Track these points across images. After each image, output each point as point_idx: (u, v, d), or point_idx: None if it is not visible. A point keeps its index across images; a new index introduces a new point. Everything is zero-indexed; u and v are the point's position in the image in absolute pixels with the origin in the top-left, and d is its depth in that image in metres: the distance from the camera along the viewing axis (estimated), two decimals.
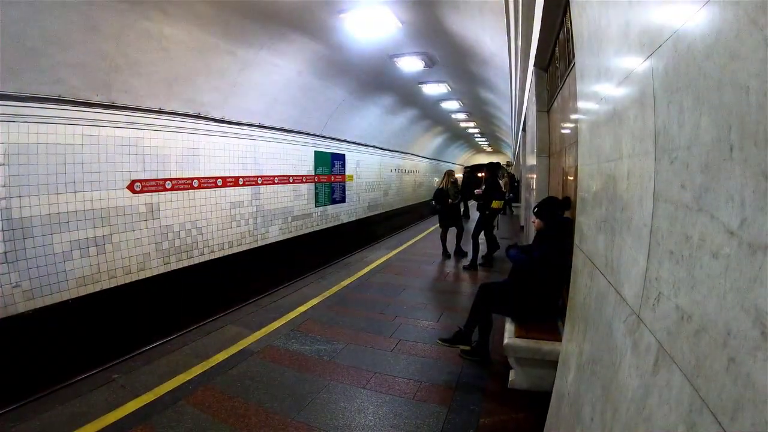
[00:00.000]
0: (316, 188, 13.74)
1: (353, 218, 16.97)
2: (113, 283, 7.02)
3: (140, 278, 7.53)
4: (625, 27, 1.42)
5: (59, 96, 6.04)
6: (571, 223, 3.70)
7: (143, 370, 4.32)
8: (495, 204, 8.82)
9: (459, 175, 10.71)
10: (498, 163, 9.62)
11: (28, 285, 5.83)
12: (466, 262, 9.15)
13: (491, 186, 8.99)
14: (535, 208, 4.25)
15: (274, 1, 6.87)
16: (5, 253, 5.59)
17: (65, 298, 6.29)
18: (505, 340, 3.72)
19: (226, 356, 4.64)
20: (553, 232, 3.90)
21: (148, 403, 3.70)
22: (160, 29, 6.64)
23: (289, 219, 12.31)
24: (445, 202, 9.59)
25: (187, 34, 7.07)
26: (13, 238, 5.66)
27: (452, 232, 10.10)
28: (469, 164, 41.51)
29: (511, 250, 4.43)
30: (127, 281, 7.27)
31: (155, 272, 7.84)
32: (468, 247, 10.11)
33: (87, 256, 6.58)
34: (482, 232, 9.13)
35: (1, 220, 5.54)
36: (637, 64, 1.30)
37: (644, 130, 1.26)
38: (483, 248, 9.27)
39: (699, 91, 0.88)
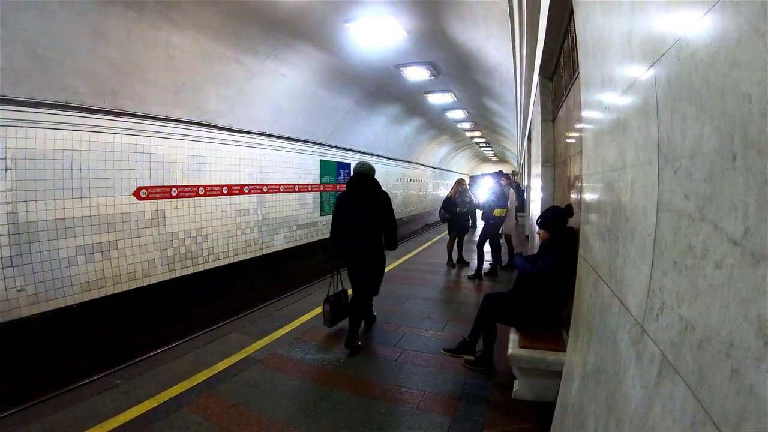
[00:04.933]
0: (321, 197, 13.77)
1: None
2: (118, 289, 7.05)
3: (145, 284, 7.55)
4: (628, 36, 1.42)
5: (66, 102, 6.09)
6: (575, 232, 3.69)
7: (146, 377, 4.31)
8: (497, 212, 8.80)
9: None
10: (501, 172, 9.60)
11: (33, 289, 5.85)
12: (470, 271, 9.11)
13: (494, 194, 8.98)
14: (538, 219, 4.24)
15: (281, 10, 6.92)
16: (11, 257, 5.62)
17: (70, 303, 6.31)
18: (510, 351, 3.70)
19: (230, 364, 4.62)
20: (558, 242, 3.88)
21: (150, 409, 3.69)
22: (167, 37, 6.70)
23: (295, 227, 12.33)
24: (453, 211, 9.58)
25: (194, 42, 7.13)
26: (18, 243, 5.70)
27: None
28: (475, 173, 41.53)
29: (516, 258, 4.41)
30: (132, 287, 7.30)
31: (160, 279, 7.86)
32: (470, 257, 10.10)
33: (92, 261, 6.61)
34: (487, 242, 9.09)
35: (8, 225, 5.58)
36: (640, 72, 1.30)
37: (648, 139, 1.25)
38: (488, 257, 9.24)
39: (702, 100, 0.88)
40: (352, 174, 5.30)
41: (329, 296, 5.39)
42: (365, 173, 5.18)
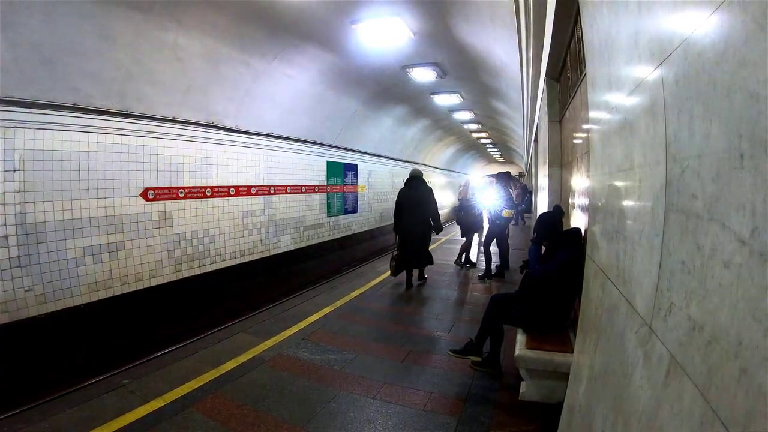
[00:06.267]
0: (328, 198, 13.77)
1: (365, 228, 16.97)
2: (125, 290, 7.07)
3: (152, 285, 7.58)
4: (635, 36, 1.41)
5: (74, 104, 6.12)
6: (580, 233, 3.68)
7: (153, 376, 4.34)
8: (505, 213, 8.80)
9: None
10: (508, 173, 9.56)
11: (40, 289, 5.89)
12: (479, 272, 9.12)
13: (501, 195, 8.97)
14: (534, 233, 4.23)
15: (288, 12, 6.95)
16: (19, 257, 5.66)
17: (77, 303, 6.34)
18: (517, 352, 3.68)
19: (237, 364, 4.64)
20: (560, 244, 3.86)
21: (157, 409, 3.71)
22: (174, 39, 6.73)
23: (302, 228, 12.34)
24: (468, 213, 9.64)
25: (201, 44, 7.16)
26: (27, 243, 5.73)
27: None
28: (483, 173, 41.42)
29: (532, 248, 4.35)
30: (139, 288, 7.32)
31: (167, 279, 7.88)
32: (477, 258, 10.10)
33: (100, 262, 6.64)
34: (494, 242, 9.08)
35: (16, 225, 5.61)
36: (647, 72, 1.29)
37: (655, 140, 1.25)
38: (495, 258, 9.22)
39: (709, 100, 0.88)
40: (408, 177, 8.16)
41: (394, 256, 8.07)
42: (417, 177, 8.13)
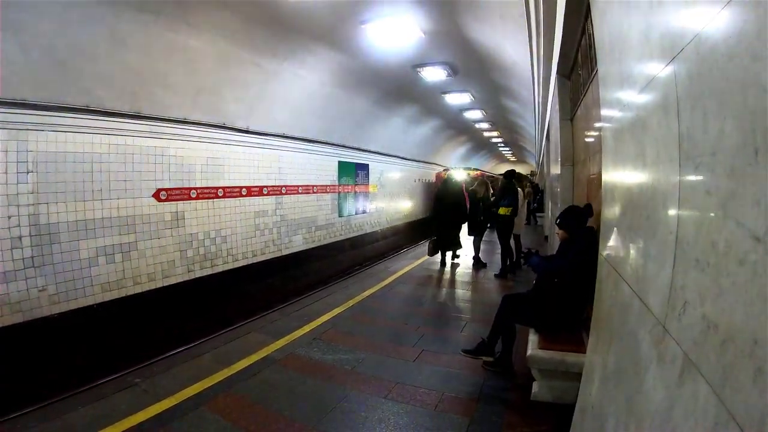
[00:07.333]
0: (339, 198, 13.79)
1: (377, 228, 16.97)
2: (138, 290, 7.13)
3: (165, 285, 7.63)
4: (646, 32, 1.40)
5: (86, 106, 6.18)
6: (594, 232, 3.65)
7: (165, 375, 4.36)
8: (501, 210, 8.77)
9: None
10: (513, 171, 9.50)
11: (54, 289, 5.95)
12: (496, 270, 9.11)
13: (501, 192, 8.96)
14: (557, 219, 4.20)
15: (298, 12, 6.95)
16: (33, 257, 5.72)
17: (90, 303, 6.40)
18: (529, 352, 3.66)
19: (249, 363, 4.65)
20: (578, 242, 3.84)
21: (169, 407, 3.73)
22: (185, 41, 6.77)
23: (313, 228, 12.37)
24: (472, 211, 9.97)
25: (212, 45, 7.20)
26: (40, 243, 5.79)
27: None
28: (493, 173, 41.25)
29: (533, 258, 4.35)
30: (151, 287, 7.37)
31: (179, 279, 7.93)
32: (487, 258, 10.09)
33: (113, 262, 6.70)
34: (511, 238, 9.06)
35: (29, 226, 5.68)
36: (659, 69, 1.28)
37: (668, 136, 1.23)
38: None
39: (722, 95, 0.87)
40: (444, 179, 10.52)
41: (431, 240, 9.98)
42: (451, 179, 10.37)
